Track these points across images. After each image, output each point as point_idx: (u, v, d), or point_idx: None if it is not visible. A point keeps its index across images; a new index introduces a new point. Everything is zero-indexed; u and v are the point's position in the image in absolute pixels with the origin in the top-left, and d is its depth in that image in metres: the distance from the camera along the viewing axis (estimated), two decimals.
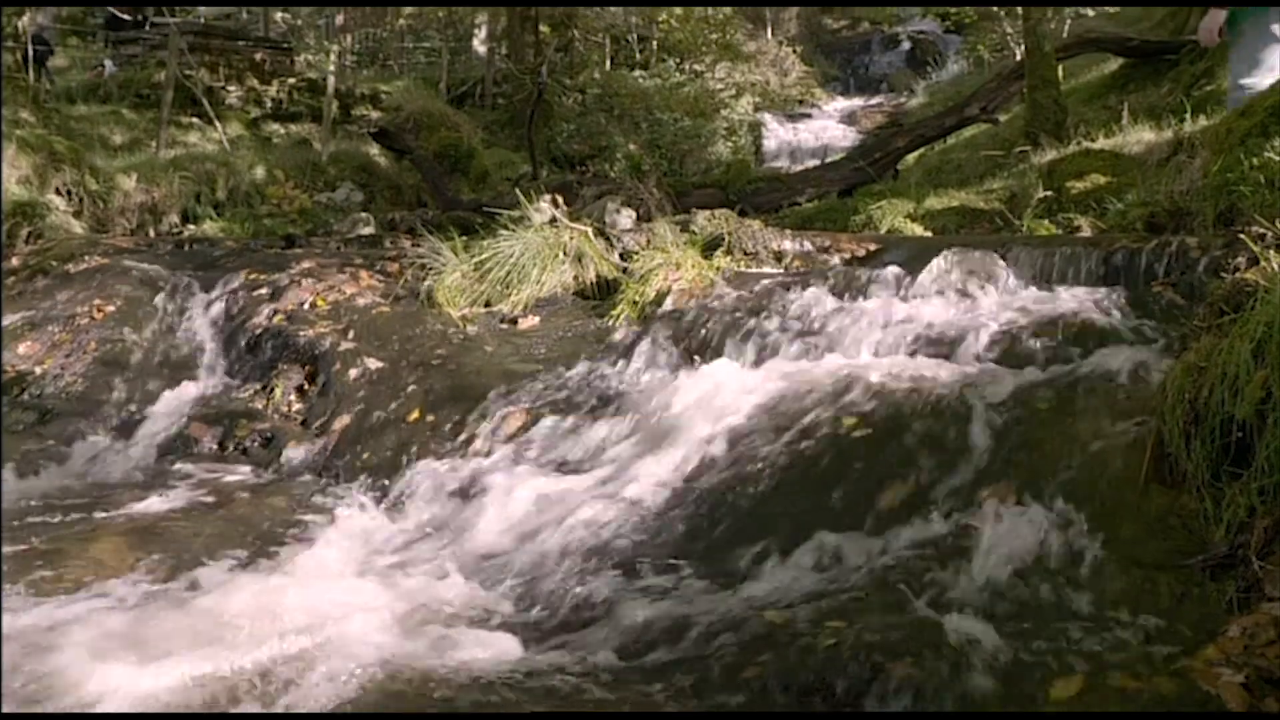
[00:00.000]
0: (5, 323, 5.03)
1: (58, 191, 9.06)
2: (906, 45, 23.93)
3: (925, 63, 21.18)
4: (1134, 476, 2.44)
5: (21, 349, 4.82)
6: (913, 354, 3.48)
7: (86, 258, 6.15)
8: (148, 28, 16.76)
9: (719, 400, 3.31)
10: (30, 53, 12.73)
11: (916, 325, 3.63)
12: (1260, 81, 5.58)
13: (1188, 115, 7.73)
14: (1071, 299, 3.75)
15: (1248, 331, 2.32)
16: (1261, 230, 3.24)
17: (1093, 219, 5.63)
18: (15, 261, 6.71)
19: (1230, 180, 4.58)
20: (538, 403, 3.72)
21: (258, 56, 15.83)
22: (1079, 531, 2.33)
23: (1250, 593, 2.00)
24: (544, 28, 14.99)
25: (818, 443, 2.91)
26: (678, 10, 15.78)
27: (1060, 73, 10.91)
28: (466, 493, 3.29)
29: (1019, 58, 11.78)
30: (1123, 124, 8.59)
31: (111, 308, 5.12)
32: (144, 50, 16.18)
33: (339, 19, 17.86)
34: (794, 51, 22.32)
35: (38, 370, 4.63)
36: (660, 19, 15.52)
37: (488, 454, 3.50)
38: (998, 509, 2.46)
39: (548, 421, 3.59)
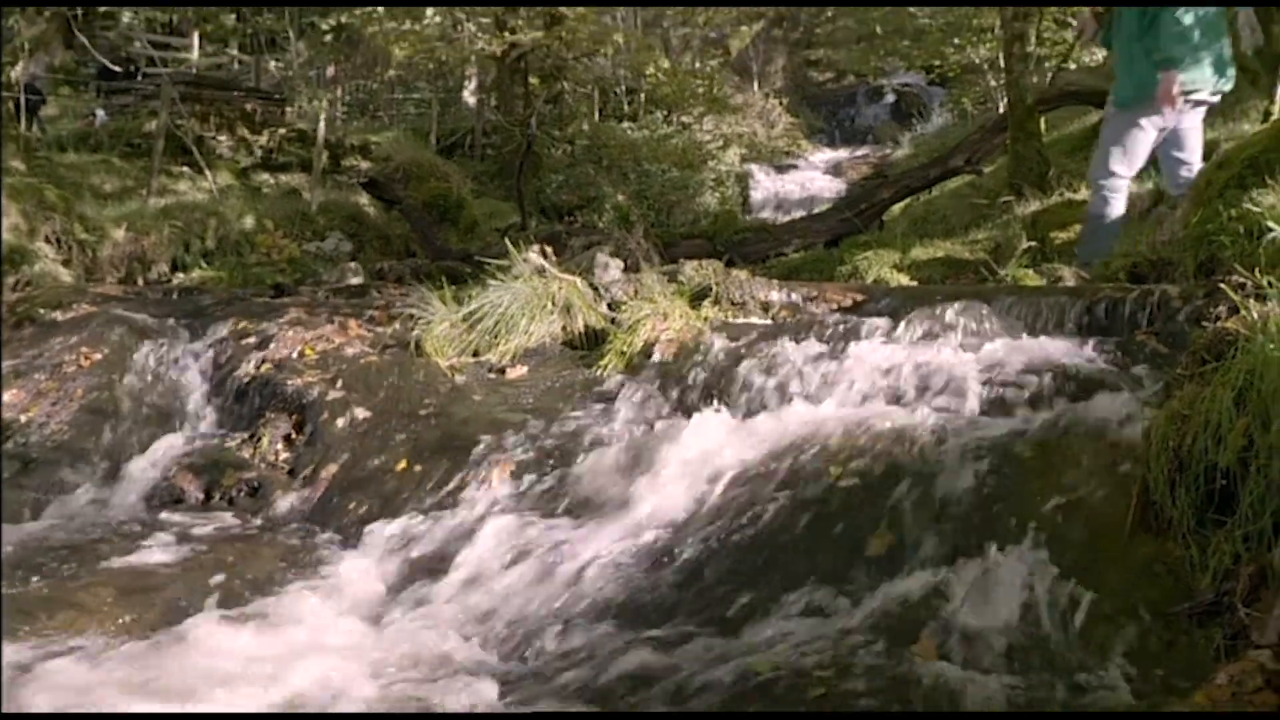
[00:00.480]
0: None
1: (46, 239, 9.08)
2: (891, 98, 24.23)
3: (910, 115, 21.43)
4: (1120, 524, 2.45)
5: (6, 397, 4.79)
6: (899, 403, 3.50)
7: (74, 306, 6.14)
8: (140, 78, 16.87)
9: (707, 451, 3.32)
10: (23, 102, 12.81)
11: (903, 375, 3.65)
12: (1127, 174, 5.74)
13: None
14: (1056, 348, 3.78)
15: (1229, 380, 2.34)
16: (1241, 280, 3.28)
17: (1076, 269, 5.69)
18: (2, 309, 6.71)
19: (1210, 231, 4.65)
20: (526, 453, 3.72)
21: (249, 106, 15.92)
22: (1065, 579, 2.33)
23: (1237, 640, 2.01)
24: (533, 79, 15.14)
25: (805, 493, 2.92)
26: (665, 63, 15.97)
27: (1043, 125, 11.06)
28: (454, 543, 3.28)
29: (1002, 110, 11.93)
30: None
31: (99, 356, 5.10)
32: (136, 100, 16.27)
33: (330, 70, 18.00)
34: (780, 104, 22.57)
35: (23, 418, 4.60)
36: (648, 72, 15.68)
37: (475, 504, 3.49)
38: (984, 557, 2.47)
39: (535, 472, 3.59)
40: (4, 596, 2.85)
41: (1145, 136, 5.64)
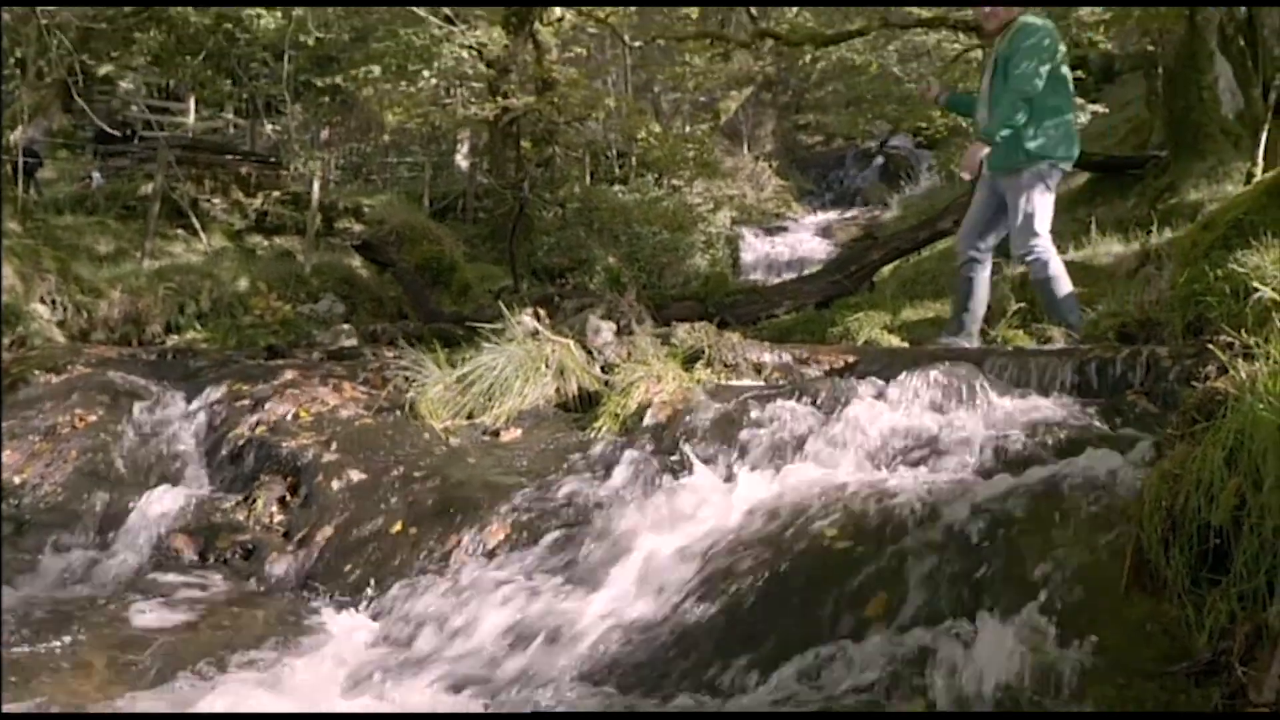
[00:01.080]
0: None
1: (42, 300, 9.13)
2: (880, 160, 24.54)
3: (898, 177, 21.71)
4: (1114, 584, 2.46)
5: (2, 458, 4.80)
6: (891, 464, 3.53)
7: (69, 367, 6.15)
8: (136, 141, 17.05)
9: (701, 513, 3.33)
10: (20, 165, 12.93)
11: (895, 436, 3.68)
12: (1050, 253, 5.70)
13: (1154, 228, 7.95)
14: (1047, 408, 3.81)
15: (1220, 439, 2.37)
16: (1229, 340, 3.32)
17: (1065, 330, 5.74)
18: None
19: (1197, 291, 4.71)
20: (520, 516, 3.72)
21: (244, 170, 16.09)
22: (1061, 640, 2.33)
23: (1235, 699, 2.01)
24: (525, 144, 15.32)
25: (800, 555, 2.93)
26: (656, 127, 16.18)
27: None
28: (449, 607, 3.27)
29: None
30: (1091, 236, 8.82)
31: (93, 417, 5.11)
32: (132, 163, 16.46)
33: (324, 134, 18.19)
34: (770, 166, 22.85)
35: (16, 480, 4.60)
36: (639, 136, 15.89)
37: (470, 567, 3.49)
38: (980, 618, 2.47)
39: (530, 536, 3.59)
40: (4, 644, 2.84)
41: (1051, 194, 5.73)
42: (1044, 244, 5.63)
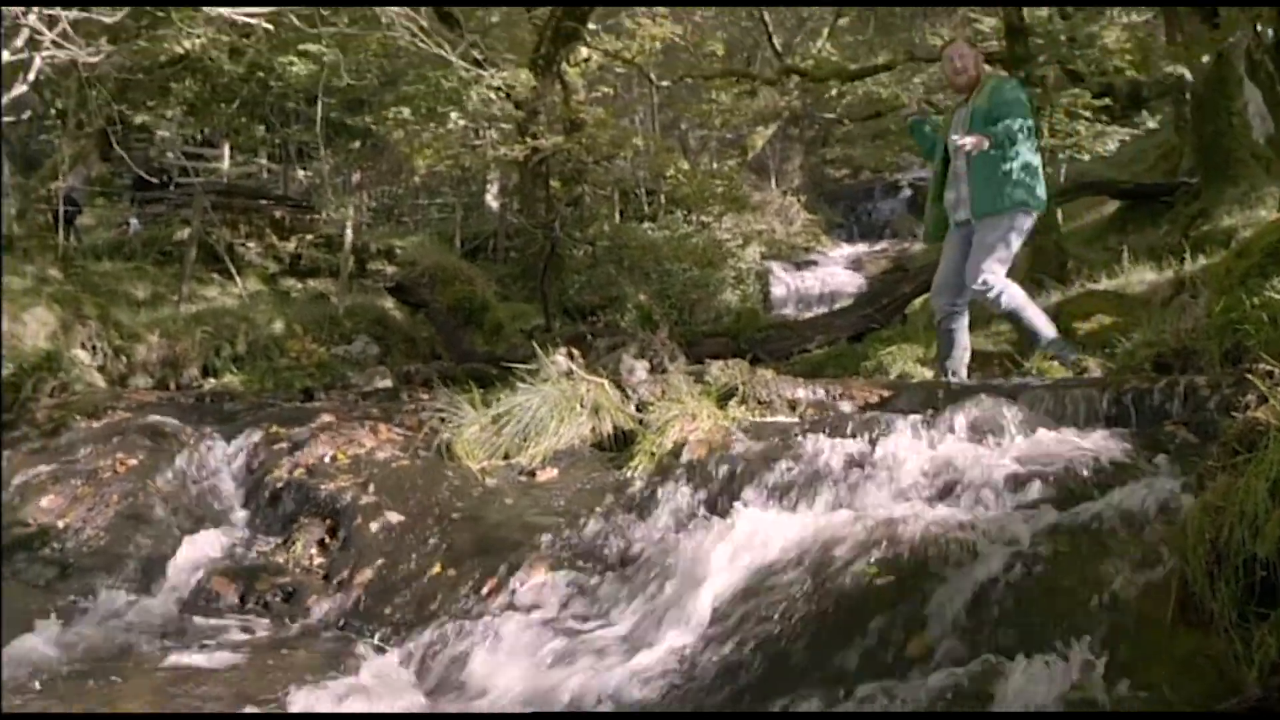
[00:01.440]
0: (28, 477, 5.09)
1: (82, 346, 9.26)
2: (908, 192, 24.54)
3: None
4: (1160, 618, 2.44)
5: (44, 503, 4.86)
6: (929, 500, 3.51)
7: (109, 411, 6.25)
8: (173, 187, 17.32)
9: (740, 551, 3.32)
10: (61, 213, 13.17)
11: (932, 471, 3.66)
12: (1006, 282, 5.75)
13: (1187, 255, 7.90)
14: (1085, 440, 3.78)
15: (1263, 470, 2.35)
16: (1268, 368, 3.30)
17: (1101, 359, 5.70)
18: (39, 415, 6.82)
19: (1234, 319, 4.67)
20: (558, 556, 3.73)
21: (278, 214, 16.32)
22: (1108, 677, 2.31)
23: None
24: (554, 183, 15.44)
25: (841, 592, 2.92)
26: (684, 164, 16.26)
27: (1060, 216, 11.18)
28: (489, 647, 3.27)
29: None
30: (1124, 265, 8.77)
31: (134, 461, 5.17)
32: (168, 209, 16.72)
33: (356, 177, 18.41)
34: (798, 200, 22.90)
35: (60, 524, 4.66)
36: (667, 173, 15.98)
37: (509, 608, 3.49)
38: (1025, 654, 2.45)
39: (568, 575, 3.59)
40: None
41: (1020, 241, 5.87)
42: (997, 276, 5.73)
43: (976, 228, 5.83)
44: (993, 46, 13.71)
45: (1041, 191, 5.87)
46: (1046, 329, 5.77)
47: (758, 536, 3.41)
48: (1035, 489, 3.40)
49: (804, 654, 2.76)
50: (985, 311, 9.49)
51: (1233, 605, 2.28)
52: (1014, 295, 5.77)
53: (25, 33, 4.61)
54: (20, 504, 4.84)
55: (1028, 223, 5.84)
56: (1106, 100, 13.27)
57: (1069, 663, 2.40)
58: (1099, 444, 3.73)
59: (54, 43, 4.69)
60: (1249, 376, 3.39)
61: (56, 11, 4.61)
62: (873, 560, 3.00)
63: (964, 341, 5.99)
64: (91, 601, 4.11)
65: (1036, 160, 5.84)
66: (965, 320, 6.01)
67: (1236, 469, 2.56)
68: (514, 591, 3.60)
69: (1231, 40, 9.54)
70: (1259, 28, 8.50)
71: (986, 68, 5.88)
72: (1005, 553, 2.84)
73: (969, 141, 5.48)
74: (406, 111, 13.83)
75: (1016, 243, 5.81)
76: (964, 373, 5.94)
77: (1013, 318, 5.86)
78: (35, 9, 4.30)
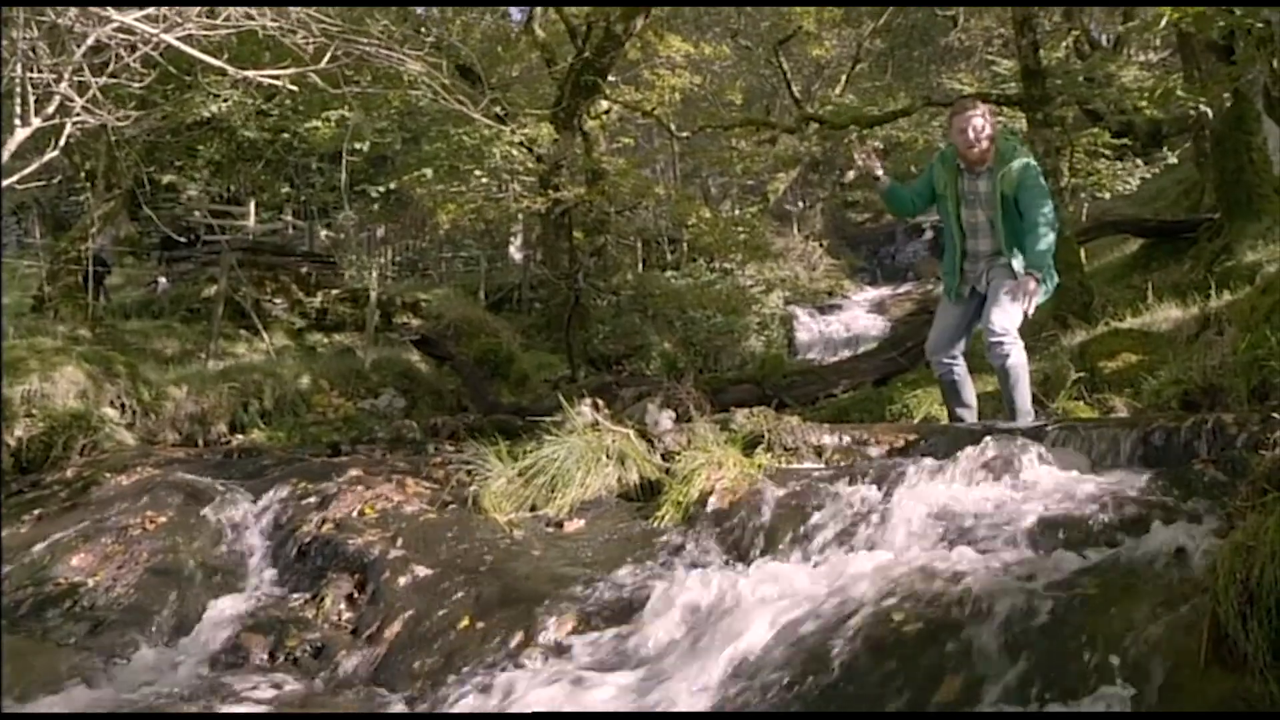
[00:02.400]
0: (59, 536, 5.13)
1: (111, 404, 9.36)
2: (930, 234, 24.56)
3: None
4: (1193, 660, 2.41)
5: (75, 561, 4.90)
6: (957, 544, 3.48)
7: (138, 469, 6.31)
8: (200, 245, 17.56)
9: (769, 599, 3.31)
10: (91, 273, 13.37)
11: (959, 515, 3.65)
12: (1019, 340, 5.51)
13: (1212, 291, 7.86)
14: (1113, 480, 3.76)
15: None
16: None
17: (1128, 398, 5.68)
18: (69, 473, 6.91)
19: (1260, 356, 4.66)
20: (587, 609, 3.72)
21: (303, 270, 16.49)
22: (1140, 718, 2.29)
23: None
24: (577, 234, 15.57)
25: (871, 639, 2.90)
26: (706, 212, 16.36)
27: (1083, 255, 11.16)
28: (516, 701, 3.26)
29: None
30: (1148, 302, 8.74)
31: (163, 519, 5.22)
32: (196, 266, 16.93)
33: (380, 232, 18.61)
34: (820, 245, 22.97)
35: (90, 582, 4.70)
36: (689, 222, 16.09)
37: (539, 661, 3.49)
38: (1058, 699, 2.43)
39: (598, 627, 3.59)
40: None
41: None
42: (1015, 332, 5.45)
43: (1001, 270, 5.55)
44: (1011, 89, 13.79)
45: (1054, 277, 5.59)
46: (1027, 413, 5.47)
47: (784, 585, 3.40)
48: (1062, 531, 3.38)
49: (834, 703, 2.74)
50: None
51: (1266, 647, 2.26)
52: (1021, 359, 5.47)
53: (57, 100, 4.73)
54: (50, 562, 4.89)
55: (1039, 294, 5.46)
56: (1126, 139, 13.31)
57: (1105, 705, 2.37)
58: (1127, 484, 3.70)
59: (84, 109, 4.79)
60: (1276, 414, 3.37)
61: (87, 79, 4.72)
62: (900, 606, 2.98)
63: (969, 387, 5.80)
64: (122, 659, 4.13)
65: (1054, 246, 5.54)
66: (965, 370, 5.79)
67: (1266, 508, 2.54)
68: (543, 644, 3.59)
69: (1248, 78, 9.57)
70: (1275, 64, 8.52)
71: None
72: (1034, 595, 2.82)
73: (1027, 296, 5.33)
74: (430, 173, 14.01)
75: (1029, 307, 5.41)
76: (973, 417, 5.76)
77: (1008, 377, 5.48)
78: (65, 80, 4.41)
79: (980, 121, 5.51)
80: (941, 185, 5.73)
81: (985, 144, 5.50)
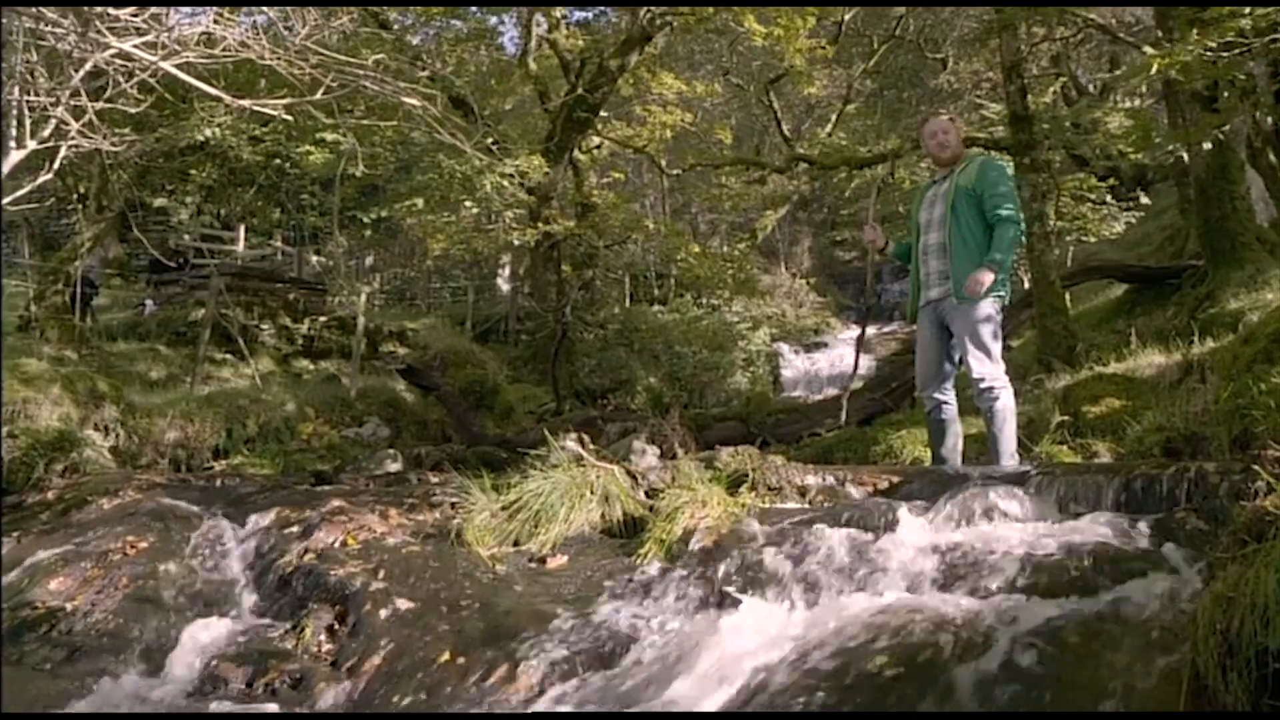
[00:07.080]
0: (38, 559, 5.10)
1: (95, 426, 9.31)
2: None
3: None
4: (1172, 710, 2.42)
5: (53, 585, 4.87)
6: (940, 589, 3.49)
7: (120, 493, 6.28)
8: (188, 270, 17.54)
9: (750, 640, 3.31)
10: (78, 294, 13.34)
11: (941, 559, 3.66)
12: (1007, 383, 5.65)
13: (1195, 338, 7.93)
14: (1095, 527, 3.77)
15: (1273, 561, 2.35)
16: (1277, 455, 3.31)
17: (1110, 444, 5.71)
18: (50, 495, 6.86)
19: (1241, 405, 4.69)
20: (569, 647, 3.71)
21: (291, 296, 16.48)
22: None
23: None
24: (566, 267, 15.62)
25: (851, 683, 2.90)
26: (694, 248, 16.44)
27: (1068, 299, 11.24)
28: None
29: (1027, 286, 12.19)
30: (1132, 348, 8.81)
31: (144, 544, 5.19)
32: (183, 290, 16.91)
33: (369, 260, 18.62)
34: (807, 283, 23.08)
35: (68, 607, 4.66)
36: (678, 257, 16.17)
37: (520, 698, 3.47)
38: None
39: (580, 666, 3.57)
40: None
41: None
42: (998, 373, 5.63)
43: (955, 313, 5.74)
44: (999, 133, 13.94)
45: (1009, 282, 5.81)
46: (1011, 456, 5.56)
47: (767, 627, 3.41)
48: (1044, 576, 3.39)
49: None
50: None
51: (1246, 698, 2.27)
52: (1010, 402, 5.61)
53: (53, 123, 4.74)
54: (29, 585, 4.85)
55: (1000, 309, 5.74)
56: (1111, 182, 13.43)
57: None
58: (1108, 530, 3.72)
59: (79, 132, 4.81)
60: (1257, 465, 3.39)
61: (84, 103, 4.74)
62: (882, 651, 2.98)
63: (956, 430, 5.90)
64: (99, 685, 4.09)
65: (1012, 257, 5.74)
66: (955, 412, 5.92)
67: (1246, 559, 2.56)
68: (524, 681, 3.58)
69: (1231, 127, 9.69)
70: (1258, 115, 8.63)
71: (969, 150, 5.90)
72: (1015, 642, 2.83)
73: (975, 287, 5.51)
74: (421, 202, 14.06)
75: (997, 329, 5.69)
76: (957, 460, 5.83)
77: (994, 419, 5.58)
78: (62, 104, 4.43)
79: (945, 124, 5.88)
80: (915, 208, 6.05)
81: (954, 148, 5.85)
